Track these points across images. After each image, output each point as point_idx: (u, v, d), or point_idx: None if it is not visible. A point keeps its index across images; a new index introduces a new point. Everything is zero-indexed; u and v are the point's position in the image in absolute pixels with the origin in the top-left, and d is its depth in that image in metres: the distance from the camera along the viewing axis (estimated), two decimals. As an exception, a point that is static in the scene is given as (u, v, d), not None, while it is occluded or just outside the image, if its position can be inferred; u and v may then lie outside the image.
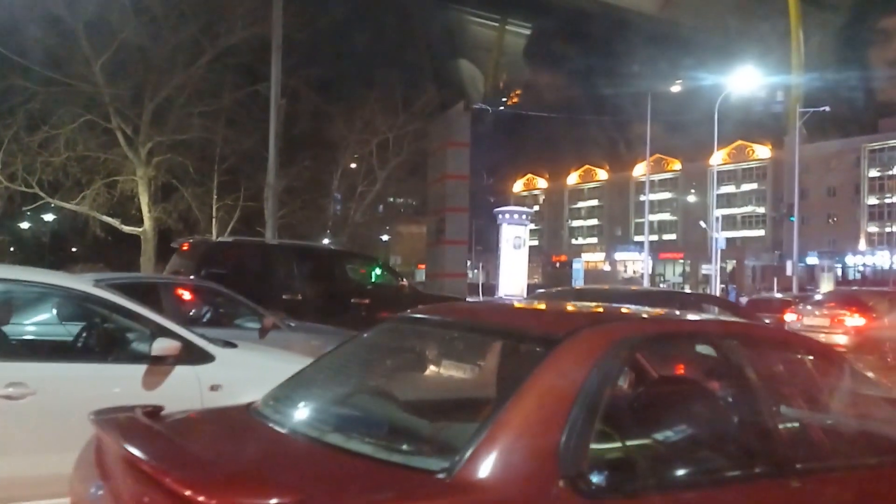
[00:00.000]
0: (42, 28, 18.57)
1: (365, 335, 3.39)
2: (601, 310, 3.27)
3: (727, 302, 15.04)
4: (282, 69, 17.51)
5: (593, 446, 2.31)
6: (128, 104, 20.83)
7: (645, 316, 3.20)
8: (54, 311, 5.33)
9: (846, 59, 55.00)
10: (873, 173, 64.33)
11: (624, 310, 3.29)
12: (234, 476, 2.15)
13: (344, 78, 30.71)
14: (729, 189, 72.52)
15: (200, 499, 1.95)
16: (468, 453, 2.17)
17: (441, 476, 2.14)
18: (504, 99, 45.50)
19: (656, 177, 71.38)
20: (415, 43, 35.02)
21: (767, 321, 13.97)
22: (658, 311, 3.36)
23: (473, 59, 40.02)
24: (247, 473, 2.20)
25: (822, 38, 56.19)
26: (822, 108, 39.69)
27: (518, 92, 48.34)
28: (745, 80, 35.32)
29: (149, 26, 20.14)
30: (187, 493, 1.99)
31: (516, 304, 4.25)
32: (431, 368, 3.26)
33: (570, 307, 3.63)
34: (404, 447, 2.32)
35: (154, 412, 2.77)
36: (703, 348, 3.05)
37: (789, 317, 15.88)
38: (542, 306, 3.82)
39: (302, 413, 2.81)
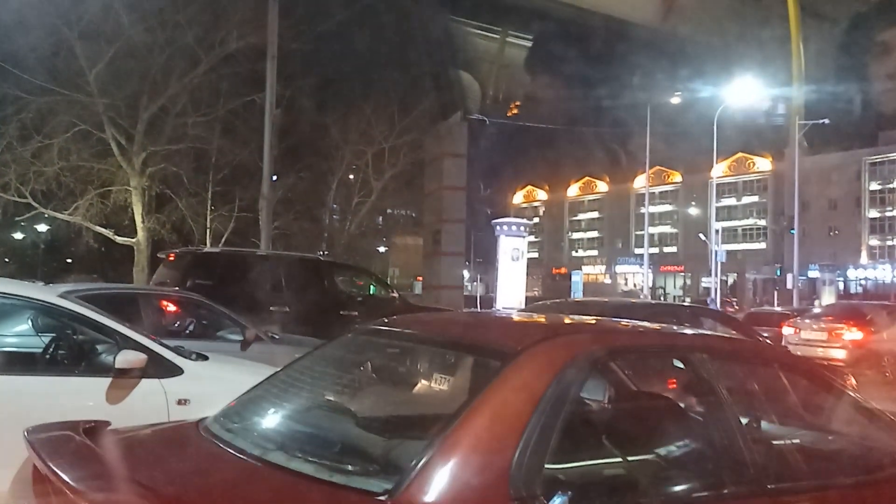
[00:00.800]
0: (36, 37, 18.51)
1: (324, 348, 3.28)
2: (564, 322, 3.15)
3: (726, 315, 14.83)
4: (277, 79, 17.49)
5: (549, 466, 2.19)
6: (122, 114, 20.81)
7: (609, 328, 3.08)
8: (17, 323, 5.21)
9: (846, 72, 55.02)
10: (874, 186, 64.27)
11: (588, 321, 3.17)
12: (159, 498, 2.03)
13: (340, 88, 30.68)
14: (730, 201, 72.45)
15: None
16: (413, 473, 2.06)
17: (382, 498, 2.03)
18: (503, 110, 45.49)
19: (657, 189, 71.40)
20: (412, 53, 34.98)
21: (766, 335, 13.80)
22: (626, 323, 3.22)
23: (472, 69, 39.97)
24: (174, 496, 2.08)
25: (822, 51, 56.23)
26: (822, 121, 39.71)
27: (517, 103, 48.32)
28: (746, 92, 35.31)
29: (144, 36, 20.12)
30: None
31: (481, 316, 4.15)
32: (389, 382, 3.14)
33: (533, 319, 3.50)
34: (348, 467, 2.20)
35: (95, 428, 2.65)
36: (672, 362, 2.93)
37: (787, 330, 15.70)
38: (507, 318, 3.70)
39: (249, 430, 2.68)
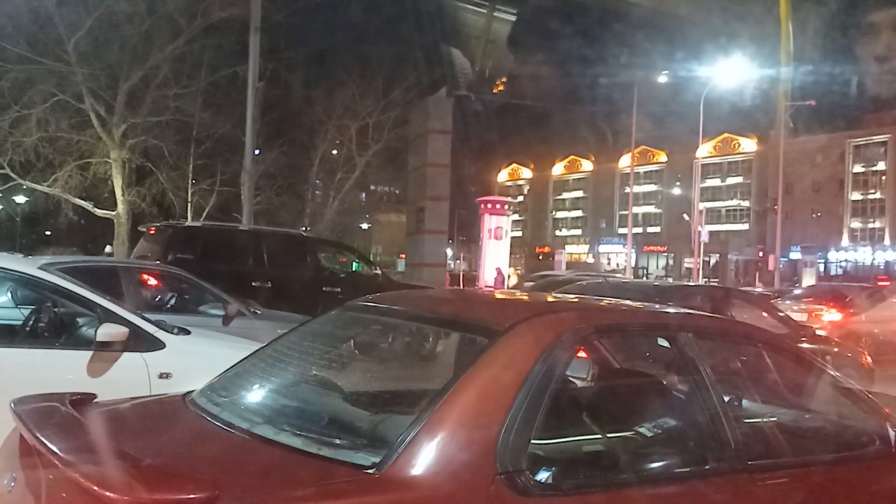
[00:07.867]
0: (13, 4, 18.10)
1: (311, 323, 3.28)
2: (550, 300, 3.16)
3: (755, 296, 14.66)
4: (261, 51, 17.27)
5: (536, 441, 2.22)
6: (102, 84, 20.45)
7: (595, 306, 3.09)
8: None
9: (833, 54, 55.30)
10: (857, 169, 64.71)
11: (573, 300, 3.18)
12: (147, 470, 2.02)
13: (324, 62, 30.47)
14: (714, 182, 72.73)
15: (107, 494, 1.83)
16: (401, 448, 2.08)
17: (370, 471, 2.04)
18: (489, 86, 45.30)
19: (641, 169, 71.34)
20: (399, 26, 34.70)
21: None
22: (612, 301, 3.24)
23: (459, 44, 39.72)
24: (161, 467, 2.07)
25: (810, 33, 56.41)
26: (808, 102, 39.87)
27: (503, 80, 48.16)
28: (733, 72, 35.34)
29: (124, 4, 19.72)
30: (94, 487, 1.87)
31: (468, 294, 4.15)
32: (377, 358, 3.15)
33: (520, 297, 3.51)
34: (336, 440, 2.21)
35: (81, 400, 2.63)
36: (659, 341, 2.95)
37: (767, 311, 15.80)
38: (494, 295, 3.71)
39: (236, 403, 2.68)
